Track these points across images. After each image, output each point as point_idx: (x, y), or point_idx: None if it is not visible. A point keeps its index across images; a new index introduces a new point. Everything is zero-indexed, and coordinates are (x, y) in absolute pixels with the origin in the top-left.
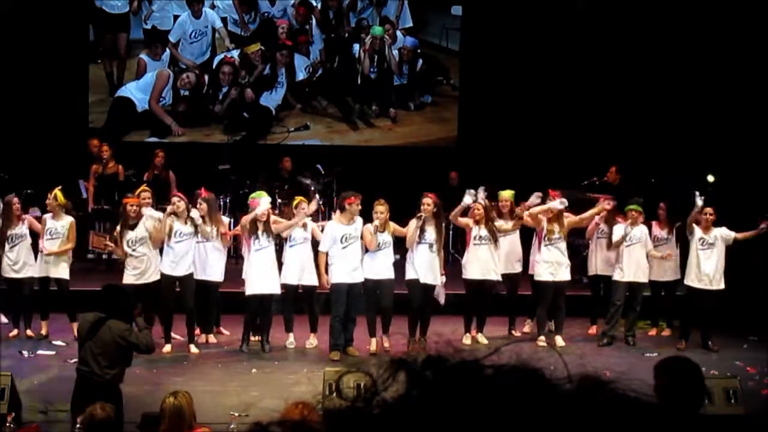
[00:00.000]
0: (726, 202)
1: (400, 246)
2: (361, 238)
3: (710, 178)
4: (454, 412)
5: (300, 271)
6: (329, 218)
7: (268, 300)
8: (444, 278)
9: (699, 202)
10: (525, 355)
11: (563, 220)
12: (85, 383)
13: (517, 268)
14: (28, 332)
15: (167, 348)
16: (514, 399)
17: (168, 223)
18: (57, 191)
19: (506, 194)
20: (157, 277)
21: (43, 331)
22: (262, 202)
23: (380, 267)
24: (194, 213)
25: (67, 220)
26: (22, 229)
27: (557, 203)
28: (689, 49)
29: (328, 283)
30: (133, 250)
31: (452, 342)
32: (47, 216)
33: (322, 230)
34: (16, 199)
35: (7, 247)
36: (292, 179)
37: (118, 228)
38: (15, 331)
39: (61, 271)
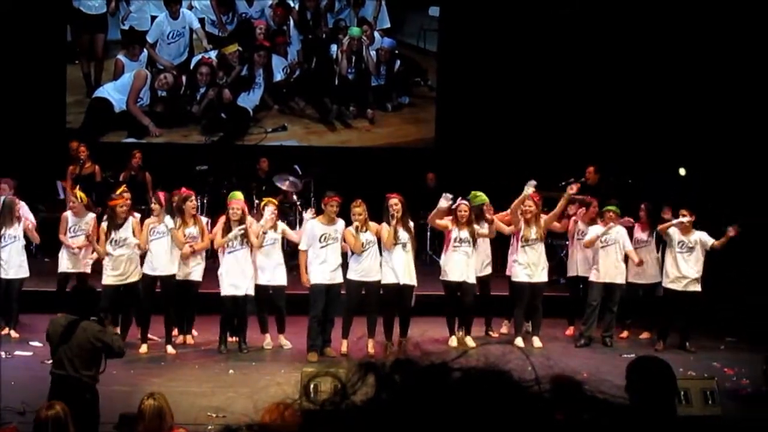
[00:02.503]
0: (706, 201)
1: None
2: (344, 240)
3: (682, 171)
4: (423, 415)
5: (271, 272)
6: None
7: (242, 301)
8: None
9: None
10: (493, 357)
11: (541, 222)
12: (61, 386)
13: (487, 270)
14: (12, 333)
15: (143, 348)
16: (481, 401)
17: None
18: (80, 193)
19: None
20: (137, 278)
21: None
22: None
23: (367, 268)
24: (168, 219)
25: (90, 217)
26: (17, 230)
27: (527, 187)
28: (667, 48)
29: (308, 282)
30: (114, 249)
31: (420, 345)
32: (68, 214)
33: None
34: (17, 201)
35: None
36: (269, 180)
37: (104, 226)
38: (6, 330)
39: (86, 266)
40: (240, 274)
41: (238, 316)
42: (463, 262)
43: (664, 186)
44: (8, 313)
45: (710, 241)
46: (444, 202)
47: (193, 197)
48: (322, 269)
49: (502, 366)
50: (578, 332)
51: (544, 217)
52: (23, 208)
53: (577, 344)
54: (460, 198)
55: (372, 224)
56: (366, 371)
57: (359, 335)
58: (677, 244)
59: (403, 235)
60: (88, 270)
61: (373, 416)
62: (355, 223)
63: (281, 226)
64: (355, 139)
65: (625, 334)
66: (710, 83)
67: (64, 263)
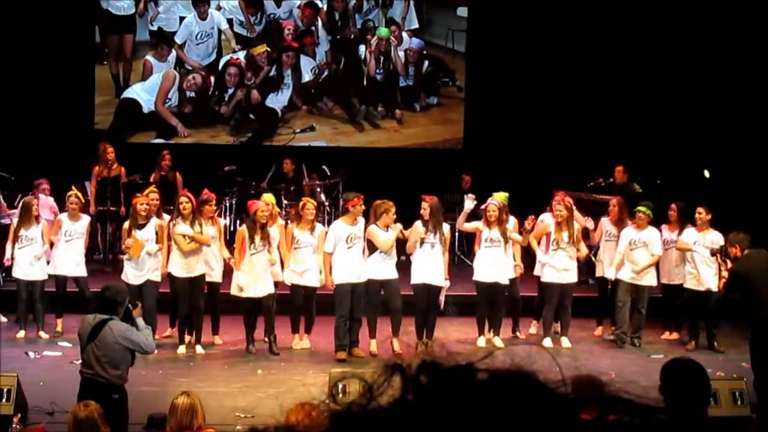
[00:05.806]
0: (729, 200)
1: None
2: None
3: (706, 173)
4: (448, 417)
5: (305, 274)
6: (335, 219)
7: (265, 301)
8: (448, 282)
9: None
10: (519, 358)
11: (573, 228)
12: (90, 385)
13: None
14: (41, 333)
15: (182, 350)
16: (507, 403)
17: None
18: (78, 192)
19: (500, 197)
20: (156, 278)
21: (59, 328)
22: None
23: (385, 268)
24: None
25: (85, 220)
26: (35, 231)
27: (468, 202)
28: (695, 48)
29: (332, 284)
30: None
31: (446, 345)
32: (62, 216)
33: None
34: (35, 201)
35: (17, 247)
36: (297, 180)
37: (126, 225)
38: (22, 333)
39: (80, 269)
40: (258, 277)
41: (265, 317)
42: (494, 262)
43: (690, 187)
44: (33, 314)
45: (720, 242)
46: (469, 203)
47: (213, 201)
48: (347, 269)
49: (528, 367)
50: (608, 332)
51: (577, 226)
52: (45, 208)
53: (615, 344)
54: (490, 198)
55: (397, 226)
56: (392, 372)
57: (387, 335)
58: (693, 244)
59: (430, 236)
60: (84, 273)
61: (399, 417)
62: (398, 226)
63: (319, 228)
64: (384, 139)
65: (666, 334)
66: (741, 82)
67: (55, 267)
